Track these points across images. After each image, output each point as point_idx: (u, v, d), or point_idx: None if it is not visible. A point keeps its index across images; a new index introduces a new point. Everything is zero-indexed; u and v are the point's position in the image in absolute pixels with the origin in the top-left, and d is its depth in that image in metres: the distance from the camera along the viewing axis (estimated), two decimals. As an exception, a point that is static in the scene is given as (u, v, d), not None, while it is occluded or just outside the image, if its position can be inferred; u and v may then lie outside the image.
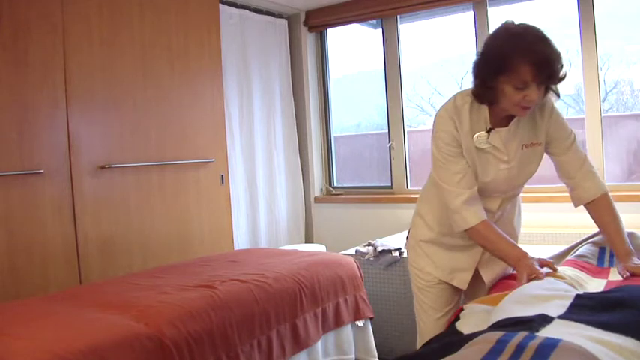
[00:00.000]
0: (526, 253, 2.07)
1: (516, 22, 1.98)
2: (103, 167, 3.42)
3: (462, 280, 2.37)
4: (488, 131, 2.12)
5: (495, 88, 2.00)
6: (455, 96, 2.20)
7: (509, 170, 2.17)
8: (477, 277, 2.38)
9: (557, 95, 2.11)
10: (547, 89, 2.04)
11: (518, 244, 2.18)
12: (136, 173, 3.63)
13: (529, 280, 1.95)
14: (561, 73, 1.97)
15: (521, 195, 2.46)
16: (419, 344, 2.46)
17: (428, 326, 2.44)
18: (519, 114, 2.04)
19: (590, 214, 2.24)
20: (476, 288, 2.41)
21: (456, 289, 2.42)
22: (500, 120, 2.13)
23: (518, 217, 2.49)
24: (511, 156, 2.16)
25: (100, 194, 3.42)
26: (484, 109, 2.12)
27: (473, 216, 2.12)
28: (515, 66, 1.90)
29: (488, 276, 2.36)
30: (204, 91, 4.11)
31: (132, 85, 3.61)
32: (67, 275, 3.22)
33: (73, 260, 3.25)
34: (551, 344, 1.28)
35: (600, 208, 2.19)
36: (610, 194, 2.23)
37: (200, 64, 4.09)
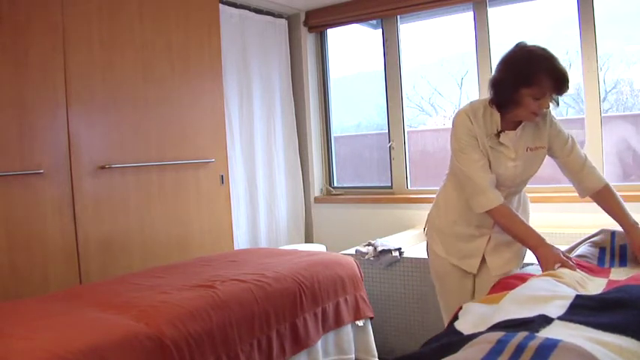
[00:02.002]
0: (544, 239, 2.33)
1: (529, 44, 2.37)
2: (103, 167, 3.42)
3: (471, 266, 2.63)
4: (499, 133, 2.43)
5: (515, 98, 2.32)
6: (470, 103, 2.53)
7: (515, 168, 2.47)
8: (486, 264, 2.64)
9: (557, 104, 2.42)
10: (556, 102, 2.40)
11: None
12: (136, 173, 3.63)
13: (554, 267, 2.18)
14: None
15: (527, 195, 2.76)
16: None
17: (451, 311, 2.56)
18: (530, 119, 2.40)
19: (597, 203, 2.52)
20: (487, 274, 2.63)
21: (469, 275, 2.68)
22: (509, 124, 2.45)
23: (523, 213, 2.68)
24: (518, 155, 2.46)
25: (100, 194, 3.42)
26: (496, 115, 2.43)
27: (497, 198, 2.41)
28: (540, 80, 2.25)
29: (493, 263, 2.60)
30: (204, 91, 4.11)
31: (132, 85, 3.61)
32: (67, 275, 3.22)
33: (73, 260, 3.25)
34: (551, 345, 1.29)
35: (605, 196, 2.48)
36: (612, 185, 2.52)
37: (200, 64, 4.09)
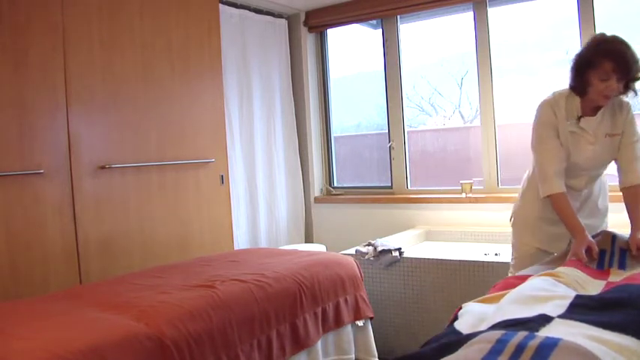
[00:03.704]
0: (584, 230, 2.50)
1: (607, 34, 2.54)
2: (103, 167, 3.42)
3: (560, 249, 2.73)
4: (579, 118, 2.62)
5: (586, 80, 2.53)
6: (553, 93, 2.72)
7: (594, 152, 2.64)
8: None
9: (635, 93, 2.58)
10: (628, 88, 2.54)
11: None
12: (136, 173, 3.62)
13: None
14: (638, 75, 2.50)
15: (607, 182, 2.93)
16: None
17: None
18: (602, 102, 2.56)
19: (624, 197, 2.65)
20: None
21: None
22: (588, 111, 2.63)
23: (603, 200, 2.89)
24: (597, 140, 2.64)
25: (100, 194, 3.41)
26: (577, 100, 2.63)
27: (559, 186, 2.61)
28: (602, 62, 2.45)
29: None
30: (204, 91, 4.11)
31: (132, 85, 3.61)
32: (67, 275, 3.22)
33: (73, 260, 3.25)
34: (551, 344, 1.28)
35: (634, 193, 2.62)
36: None
37: (200, 64, 4.09)
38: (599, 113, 2.62)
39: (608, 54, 2.45)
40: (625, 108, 2.65)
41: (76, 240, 3.27)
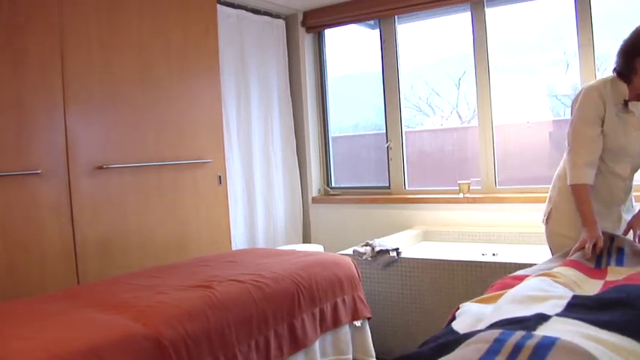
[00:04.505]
0: (596, 224, 2.51)
1: None
2: (100, 167, 3.41)
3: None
4: (626, 102, 2.56)
5: (633, 67, 2.48)
6: (598, 80, 2.66)
7: (639, 137, 2.60)
8: None
9: None
10: None
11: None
12: (133, 173, 3.62)
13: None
14: None
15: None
16: None
17: None
18: None
19: None
20: None
21: None
22: (635, 97, 2.56)
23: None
24: None
25: (97, 194, 3.41)
26: (624, 87, 2.56)
27: (586, 176, 2.59)
28: None
29: None
30: (202, 92, 4.11)
31: (130, 85, 3.61)
32: (64, 275, 3.21)
33: (70, 260, 3.25)
34: (548, 343, 1.29)
35: None
36: None
37: (198, 65, 4.09)
38: None
39: None
40: None
41: (74, 240, 3.27)
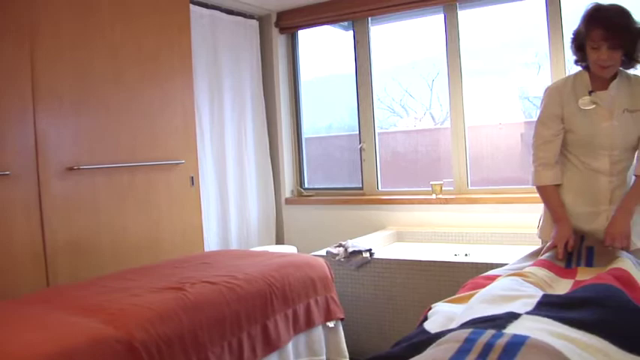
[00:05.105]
0: (567, 221, 2.54)
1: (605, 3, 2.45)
2: (71, 168, 3.37)
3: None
4: (590, 93, 2.51)
5: (583, 50, 2.47)
6: (561, 78, 2.69)
7: (611, 128, 2.49)
8: None
9: (632, 60, 2.46)
10: (632, 57, 2.44)
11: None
12: (105, 174, 3.59)
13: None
14: (635, 45, 2.40)
15: None
16: None
17: None
18: (599, 72, 2.45)
19: None
20: None
21: None
22: (599, 85, 2.51)
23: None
24: (614, 116, 2.49)
25: (68, 196, 3.37)
26: (585, 75, 2.55)
27: (542, 178, 2.63)
28: (591, 30, 2.38)
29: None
30: (175, 92, 4.08)
31: (102, 85, 3.57)
32: (33, 278, 3.16)
33: (40, 262, 3.20)
34: (518, 342, 1.30)
35: (636, 182, 2.53)
36: None
37: (170, 65, 4.06)
38: (612, 87, 2.49)
39: (595, 21, 2.37)
40: None
41: (44, 242, 3.22)
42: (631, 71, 2.55)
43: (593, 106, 2.50)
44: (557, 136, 2.60)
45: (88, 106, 3.49)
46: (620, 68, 2.49)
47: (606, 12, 2.37)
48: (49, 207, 3.26)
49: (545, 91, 2.66)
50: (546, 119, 2.61)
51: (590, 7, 2.44)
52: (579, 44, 2.49)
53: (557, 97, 2.59)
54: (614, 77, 2.49)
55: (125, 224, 3.69)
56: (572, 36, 2.54)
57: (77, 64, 3.44)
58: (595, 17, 2.38)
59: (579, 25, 2.47)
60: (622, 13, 2.37)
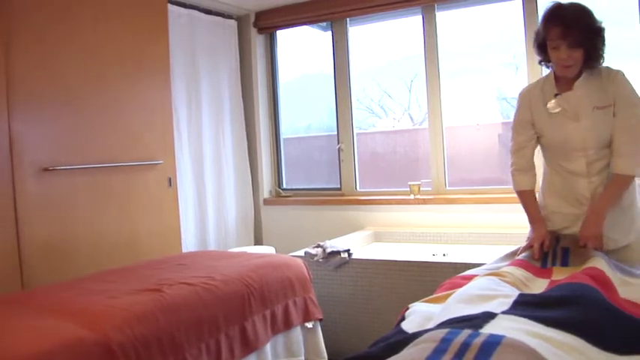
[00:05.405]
0: (542, 223, 2.57)
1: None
2: (47, 169, 3.33)
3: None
4: (556, 96, 2.48)
5: (545, 51, 2.45)
6: (533, 82, 2.68)
7: (580, 129, 2.46)
8: None
9: (593, 55, 2.39)
10: (593, 55, 2.39)
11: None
12: (82, 175, 3.55)
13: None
14: (595, 43, 2.36)
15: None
16: None
17: None
18: (561, 72, 2.45)
19: None
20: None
21: None
22: (566, 85, 2.48)
23: (627, 198, 2.55)
24: (582, 115, 2.45)
25: (44, 196, 3.33)
26: (551, 77, 2.54)
27: (518, 183, 2.66)
28: (549, 29, 2.37)
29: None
30: (152, 92, 4.05)
31: (79, 85, 3.54)
32: (8, 279, 3.12)
33: (14, 264, 3.16)
34: (494, 342, 1.31)
35: (609, 181, 2.48)
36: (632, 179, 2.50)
37: (148, 65, 4.03)
38: (577, 86, 2.44)
39: (553, 18, 2.36)
40: (612, 74, 2.45)
41: (18, 243, 3.18)
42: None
43: (560, 108, 2.47)
44: (530, 141, 2.62)
45: (66, 106, 3.45)
46: None
47: (564, 10, 2.36)
48: (24, 208, 3.22)
49: (518, 95, 2.66)
50: (517, 125, 2.63)
51: (548, 6, 2.42)
52: (539, 44, 2.48)
53: (526, 102, 2.59)
54: (578, 76, 2.46)
55: (102, 225, 3.66)
56: (534, 36, 2.52)
57: (53, 62, 3.40)
58: (552, 15, 2.37)
59: (539, 25, 2.47)
60: (580, 11, 2.36)
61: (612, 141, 2.45)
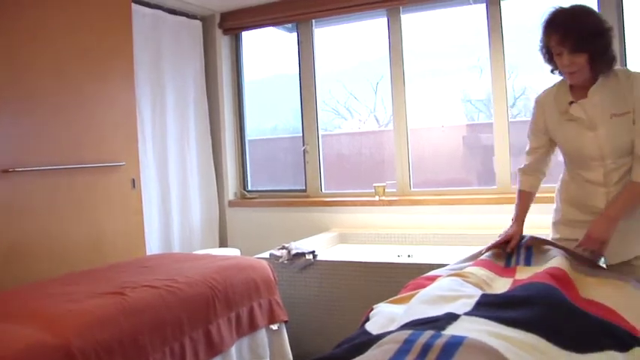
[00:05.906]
0: (521, 223, 2.61)
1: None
2: (6, 171, 3.27)
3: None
4: (570, 103, 2.38)
5: (552, 59, 2.37)
6: (549, 87, 2.55)
7: (597, 137, 2.33)
8: None
9: (608, 63, 2.29)
10: (599, 58, 2.26)
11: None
12: (44, 177, 3.49)
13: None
14: (599, 46, 2.23)
15: None
16: None
17: None
18: (569, 80, 2.37)
19: None
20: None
21: None
22: (581, 92, 2.37)
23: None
24: (598, 123, 2.32)
25: (4, 199, 3.27)
26: (565, 85, 2.43)
27: (520, 183, 2.69)
28: (549, 36, 2.30)
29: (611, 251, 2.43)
30: (116, 93, 4.00)
31: (40, 85, 3.48)
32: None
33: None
34: (456, 342, 1.32)
35: (624, 188, 2.35)
36: None
37: (111, 65, 3.97)
38: (593, 92, 2.31)
39: (550, 26, 2.29)
40: (630, 78, 2.30)
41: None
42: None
43: (576, 117, 2.36)
44: (542, 147, 2.59)
45: (25, 106, 3.39)
46: None
47: (561, 15, 2.28)
48: (-17, 210, 3.16)
49: (534, 100, 2.58)
50: (530, 132, 2.62)
51: (548, 12, 2.34)
52: (545, 52, 2.40)
53: (539, 109, 2.53)
54: (593, 82, 2.32)
55: (64, 228, 3.60)
56: (539, 44, 2.41)
57: (13, 60, 3.33)
58: (549, 22, 2.30)
59: (541, 35, 2.37)
60: (578, 14, 2.27)
61: (635, 147, 2.31)
